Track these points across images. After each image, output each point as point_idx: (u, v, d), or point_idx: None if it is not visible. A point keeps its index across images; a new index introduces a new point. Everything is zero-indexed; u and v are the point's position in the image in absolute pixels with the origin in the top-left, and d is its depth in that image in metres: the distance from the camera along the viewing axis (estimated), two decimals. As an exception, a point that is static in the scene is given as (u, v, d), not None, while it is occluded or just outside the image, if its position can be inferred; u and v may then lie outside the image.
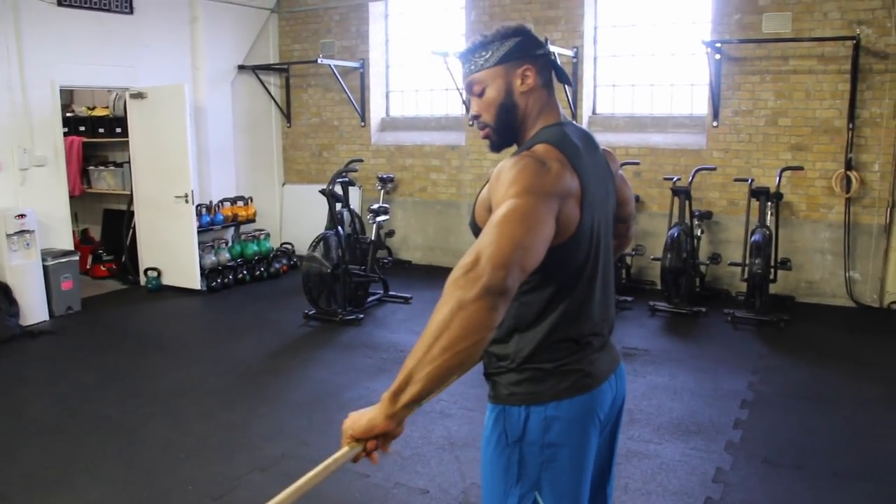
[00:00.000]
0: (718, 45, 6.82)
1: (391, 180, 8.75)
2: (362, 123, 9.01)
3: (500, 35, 1.78)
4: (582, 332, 1.76)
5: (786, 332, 6.02)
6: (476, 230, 1.77)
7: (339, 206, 6.85)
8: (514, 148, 1.86)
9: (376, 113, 9.11)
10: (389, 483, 3.61)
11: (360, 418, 1.53)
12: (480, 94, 1.81)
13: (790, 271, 6.73)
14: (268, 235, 8.59)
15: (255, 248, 8.31)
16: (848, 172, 6.58)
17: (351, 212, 7.38)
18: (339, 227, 6.63)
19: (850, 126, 6.51)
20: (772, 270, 6.35)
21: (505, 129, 1.82)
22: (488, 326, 1.41)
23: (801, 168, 6.62)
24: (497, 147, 1.86)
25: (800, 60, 6.71)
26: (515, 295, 1.49)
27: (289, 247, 8.89)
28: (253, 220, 8.58)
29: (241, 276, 7.96)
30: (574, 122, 1.83)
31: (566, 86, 1.88)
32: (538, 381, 1.72)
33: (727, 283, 7.26)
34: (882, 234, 6.63)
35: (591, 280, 1.76)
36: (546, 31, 7.67)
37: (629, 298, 6.80)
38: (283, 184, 9.64)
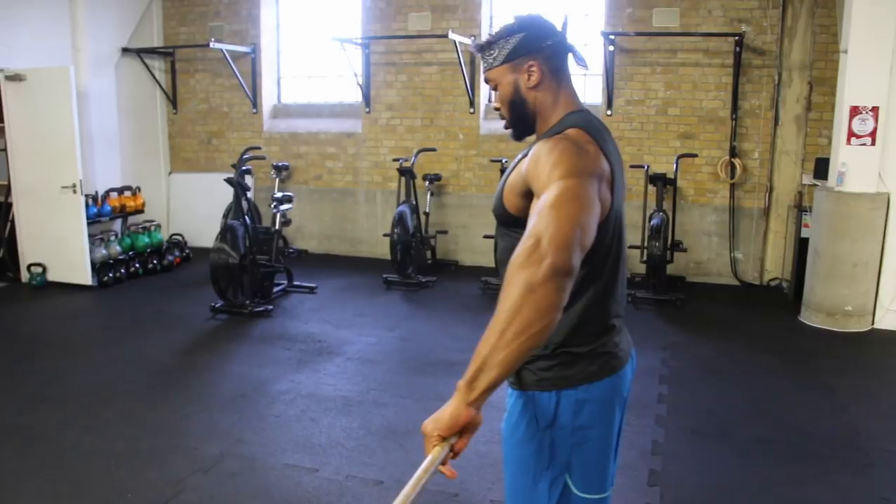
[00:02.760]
0: (612, 37, 7.11)
1: (286, 168, 8.57)
2: (254, 110, 8.75)
3: (505, 32, 1.82)
4: (609, 314, 1.80)
5: (683, 310, 6.42)
6: (503, 215, 1.78)
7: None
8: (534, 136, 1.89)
9: (268, 99, 8.88)
10: (340, 476, 3.57)
11: (442, 415, 1.49)
12: (496, 89, 1.87)
13: (684, 252, 7.14)
14: (158, 227, 8.20)
15: (147, 240, 7.92)
16: (732, 160, 7.07)
17: (248, 201, 7.17)
18: (247, 217, 6.44)
19: (734, 116, 6.99)
20: (668, 252, 6.72)
21: (519, 122, 1.87)
22: (557, 307, 1.41)
23: (695, 155, 7.04)
24: (516, 137, 1.91)
25: (687, 54, 7.12)
26: None
27: (179, 238, 8.52)
28: (141, 211, 8.17)
29: (133, 269, 7.56)
30: (589, 110, 1.87)
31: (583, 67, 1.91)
32: (568, 365, 1.75)
33: (621, 265, 7.60)
34: (762, 217, 7.17)
35: (616, 262, 1.80)
36: (444, 20, 7.73)
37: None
38: (170, 172, 9.22)
